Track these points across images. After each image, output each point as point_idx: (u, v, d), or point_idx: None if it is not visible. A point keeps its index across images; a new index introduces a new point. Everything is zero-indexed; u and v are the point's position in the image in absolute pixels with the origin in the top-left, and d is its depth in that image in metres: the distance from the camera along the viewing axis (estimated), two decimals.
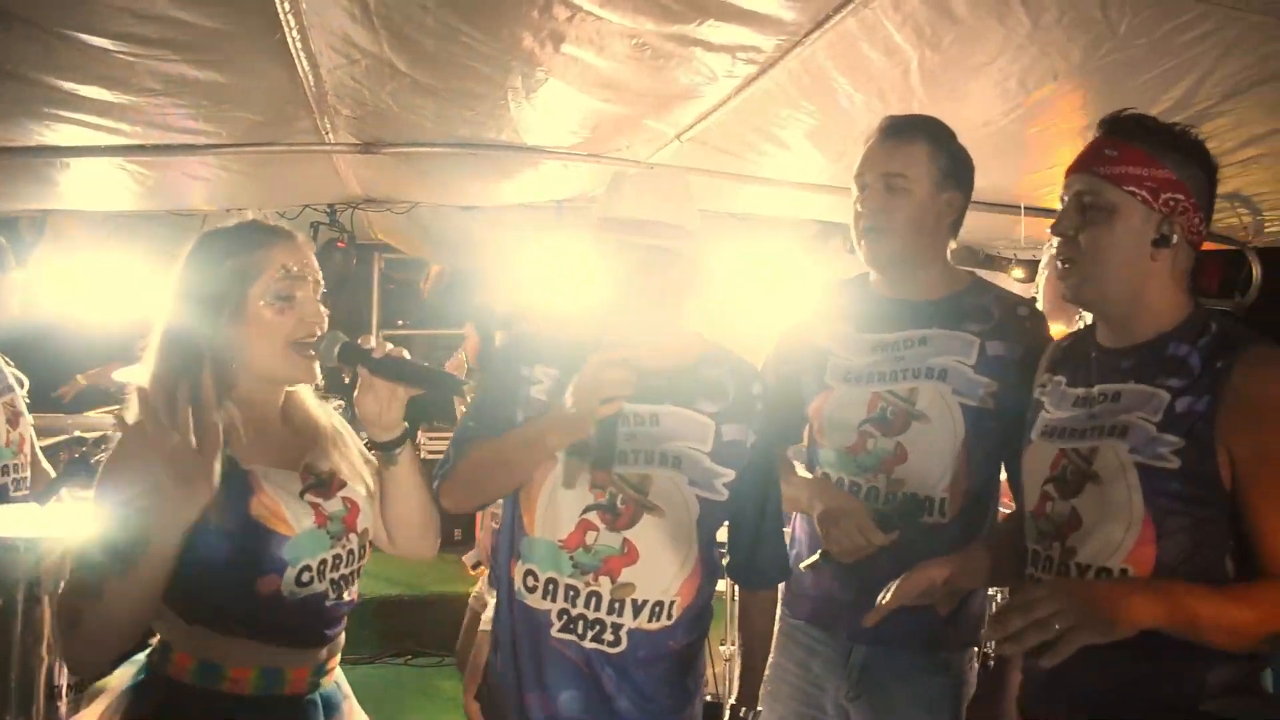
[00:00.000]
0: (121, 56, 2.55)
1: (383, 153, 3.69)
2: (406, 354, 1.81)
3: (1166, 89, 2.42)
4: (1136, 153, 1.65)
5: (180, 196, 4.43)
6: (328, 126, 3.39)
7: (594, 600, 1.88)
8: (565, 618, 1.90)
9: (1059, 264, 1.75)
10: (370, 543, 1.91)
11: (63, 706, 2.73)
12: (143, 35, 2.43)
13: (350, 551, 1.84)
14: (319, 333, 1.82)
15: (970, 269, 2.47)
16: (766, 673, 2.32)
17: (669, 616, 1.91)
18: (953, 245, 2.24)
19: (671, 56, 2.56)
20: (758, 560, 2.06)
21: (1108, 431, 1.67)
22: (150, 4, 2.24)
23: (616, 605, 1.88)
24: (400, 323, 8.43)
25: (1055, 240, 1.75)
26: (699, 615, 1.99)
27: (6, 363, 3.50)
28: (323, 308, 1.85)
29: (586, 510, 1.89)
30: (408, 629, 5.66)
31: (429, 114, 3.22)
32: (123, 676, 1.77)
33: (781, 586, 2.33)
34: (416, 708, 4.91)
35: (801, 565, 2.15)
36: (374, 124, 3.39)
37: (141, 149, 3.50)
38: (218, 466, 1.61)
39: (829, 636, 2.22)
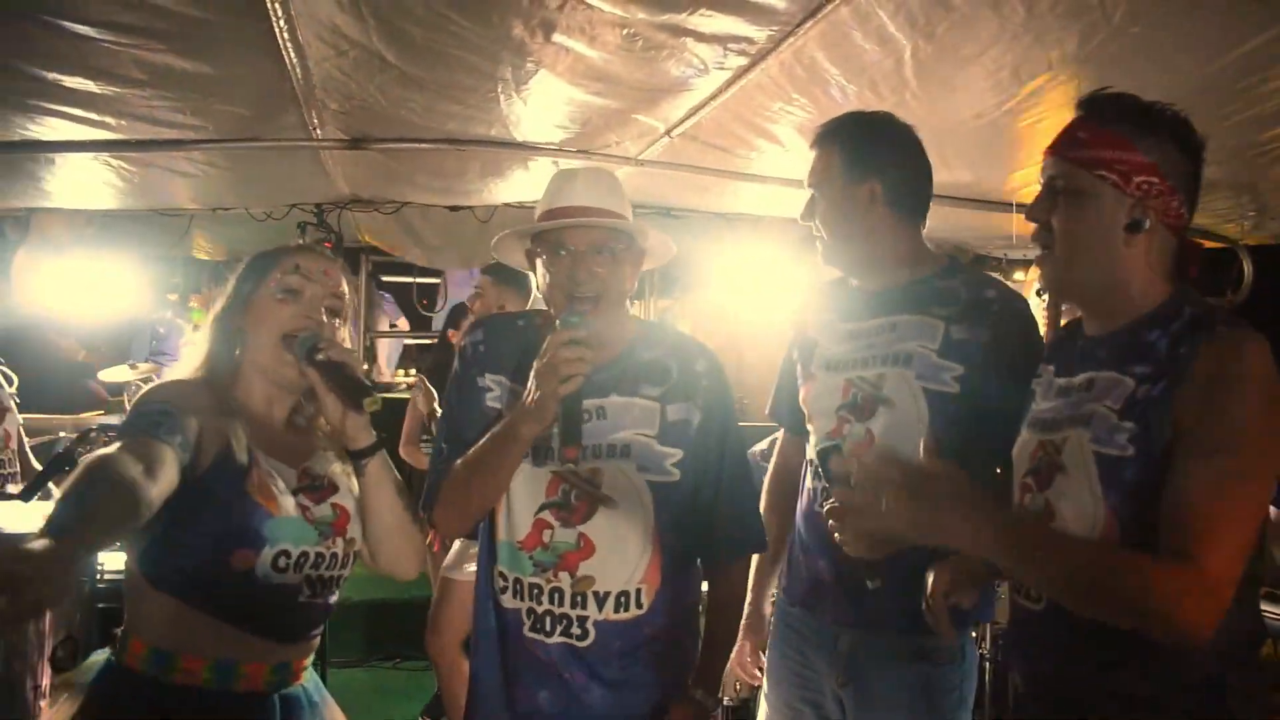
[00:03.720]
0: (105, 45, 2.52)
1: (371, 149, 3.66)
2: (346, 358, 1.84)
3: (1161, 76, 2.39)
4: (1109, 135, 1.59)
5: (164, 194, 4.40)
6: (315, 121, 3.36)
7: (557, 596, 1.92)
8: (533, 616, 1.94)
9: (1038, 250, 1.70)
10: (356, 553, 1.92)
11: (44, 705, 2.70)
12: (127, 23, 2.41)
13: (334, 555, 1.84)
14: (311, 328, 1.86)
15: (949, 253, 2.51)
16: (769, 658, 2.33)
17: (639, 605, 1.93)
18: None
19: (663, 47, 2.55)
20: (715, 537, 2.03)
21: (1077, 421, 1.62)
22: None
23: (579, 599, 1.91)
24: (390, 325, 8.33)
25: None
26: (676, 597, 1.98)
27: None
28: (335, 320, 1.90)
29: (541, 510, 1.93)
30: (395, 632, 5.55)
31: (418, 108, 3.19)
32: (89, 667, 1.79)
33: (784, 570, 2.32)
34: (404, 712, 4.85)
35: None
36: (362, 119, 3.36)
37: (126, 144, 3.47)
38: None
39: (815, 621, 2.22)
